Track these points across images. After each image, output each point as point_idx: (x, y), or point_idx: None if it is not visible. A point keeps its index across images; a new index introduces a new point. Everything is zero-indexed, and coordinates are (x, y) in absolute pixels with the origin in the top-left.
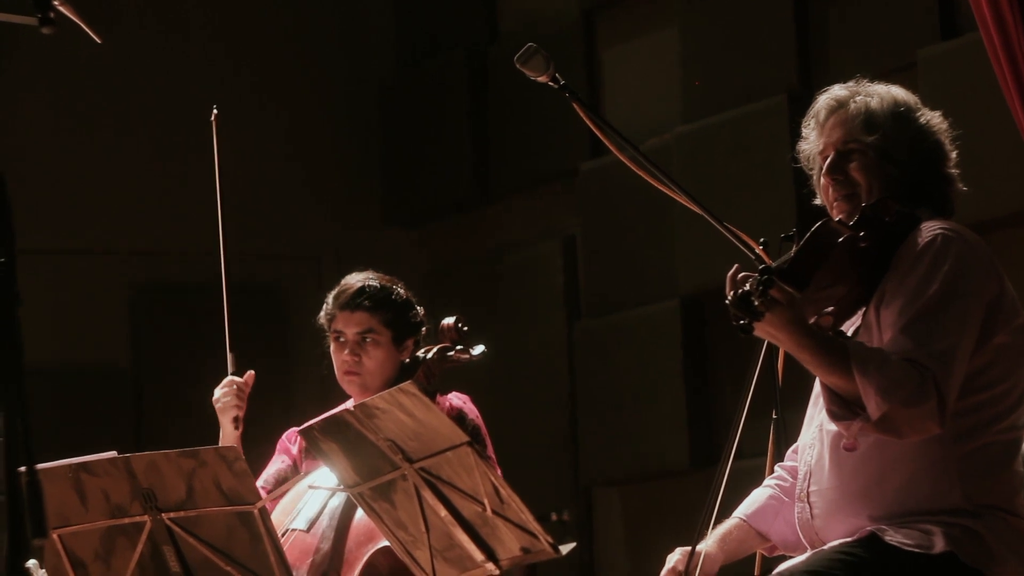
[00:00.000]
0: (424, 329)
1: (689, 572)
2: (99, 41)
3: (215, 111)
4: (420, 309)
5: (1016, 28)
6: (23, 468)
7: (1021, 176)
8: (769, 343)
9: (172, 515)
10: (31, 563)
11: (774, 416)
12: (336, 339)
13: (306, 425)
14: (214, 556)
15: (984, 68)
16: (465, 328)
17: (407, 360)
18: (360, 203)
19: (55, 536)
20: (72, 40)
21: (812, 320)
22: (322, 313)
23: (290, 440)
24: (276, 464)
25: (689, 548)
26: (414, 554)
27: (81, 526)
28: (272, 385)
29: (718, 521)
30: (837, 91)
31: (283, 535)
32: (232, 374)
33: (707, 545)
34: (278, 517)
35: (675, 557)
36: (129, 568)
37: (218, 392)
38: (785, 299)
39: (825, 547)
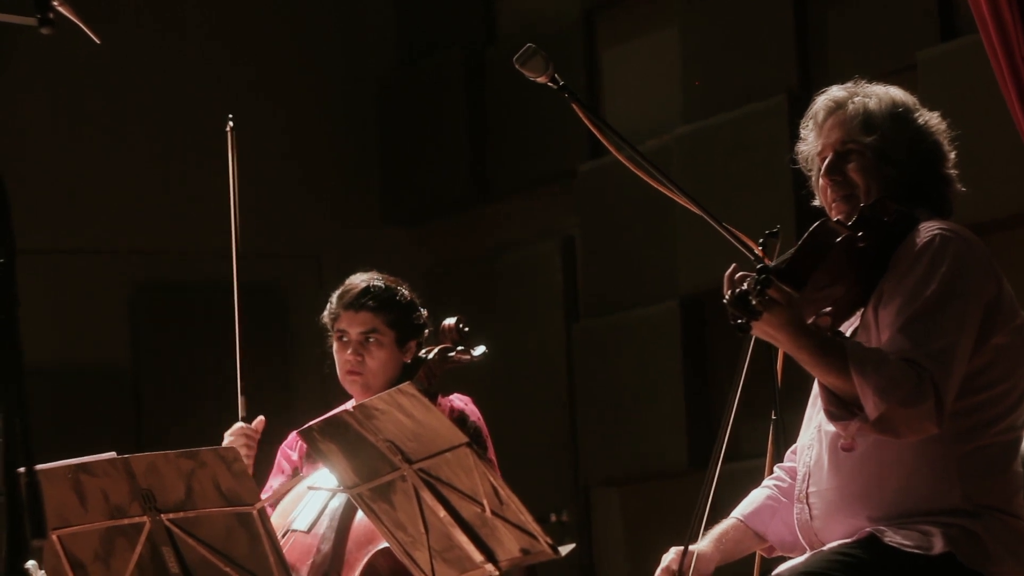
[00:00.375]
0: (427, 331)
1: (683, 571)
2: (98, 41)
3: (230, 123)
4: (424, 311)
5: (1015, 29)
6: (22, 468)
7: (1020, 178)
8: (759, 343)
9: (171, 516)
10: (30, 564)
11: (773, 417)
12: (339, 339)
13: (305, 426)
14: (213, 557)
15: (983, 70)
16: (466, 329)
17: (409, 361)
18: (359, 202)
19: (54, 537)
20: (70, 40)
21: (810, 320)
22: (326, 312)
23: (290, 447)
24: (277, 479)
25: (683, 547)
26: (413, 555)
27: (80, 527)
28: (272, 385)
29: (716, 522)
30: (835, 92)
31: (283, 536)
32: (242, 418)
33: (703, 545)
34: (278, 518)
35: (670, 556)
36: (128, 569)
37: (228, 439)
38: (783, 299)
39: (824, 548)
